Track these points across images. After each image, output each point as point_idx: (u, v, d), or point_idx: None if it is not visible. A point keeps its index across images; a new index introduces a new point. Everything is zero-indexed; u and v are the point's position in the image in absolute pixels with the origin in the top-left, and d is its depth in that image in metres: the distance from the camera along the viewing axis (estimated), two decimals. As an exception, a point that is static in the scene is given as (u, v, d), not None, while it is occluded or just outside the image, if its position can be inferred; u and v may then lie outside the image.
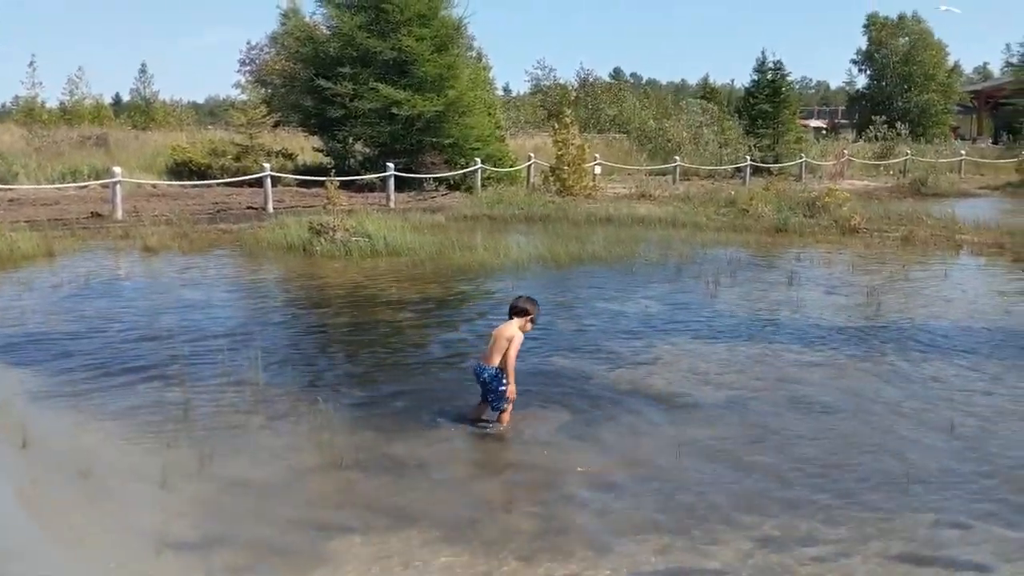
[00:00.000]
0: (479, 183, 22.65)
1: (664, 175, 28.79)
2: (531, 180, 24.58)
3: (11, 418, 5.78)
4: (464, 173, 23.06)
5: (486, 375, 5.83)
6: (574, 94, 43.31)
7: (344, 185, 19.03)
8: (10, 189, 18.18)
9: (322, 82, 22.32)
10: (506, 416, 5.85)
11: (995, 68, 75.50)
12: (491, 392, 5.82)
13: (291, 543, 4.30)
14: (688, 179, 29.05)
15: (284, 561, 4.16)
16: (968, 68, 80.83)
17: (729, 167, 31.20)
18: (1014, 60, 52.29)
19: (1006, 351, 8.01)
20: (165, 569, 4.06)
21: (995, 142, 51.28)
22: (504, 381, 5.77)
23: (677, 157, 29.54)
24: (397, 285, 11.00)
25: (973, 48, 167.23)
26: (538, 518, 4.54)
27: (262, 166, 19.19)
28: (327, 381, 6.94)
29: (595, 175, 24.30)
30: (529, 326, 5.99)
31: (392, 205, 19.61)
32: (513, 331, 5.85)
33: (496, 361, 5.79)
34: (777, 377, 7.10)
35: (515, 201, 19.67)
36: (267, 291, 11.02)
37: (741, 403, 6.39)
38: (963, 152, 39.30)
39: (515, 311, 5.96)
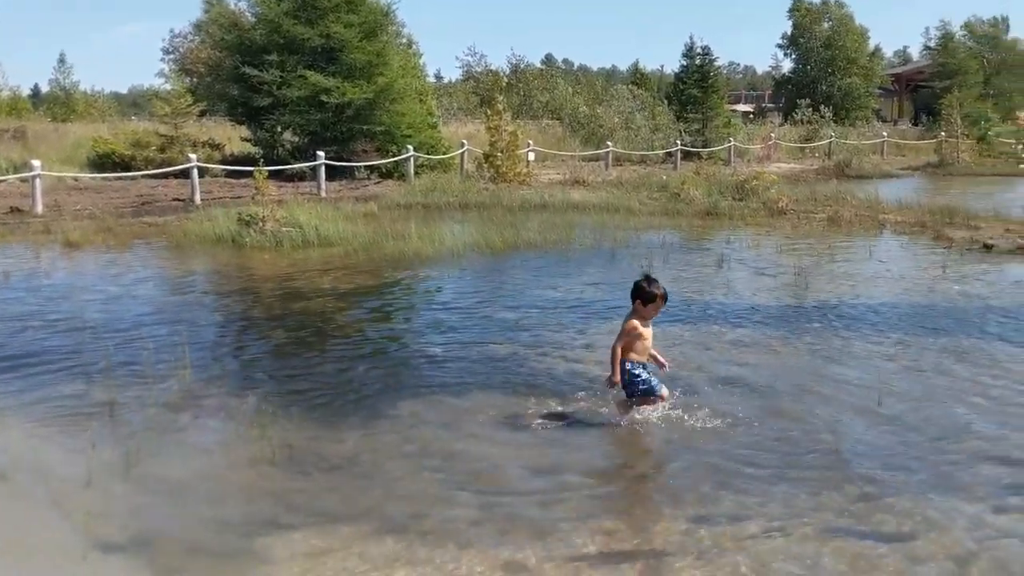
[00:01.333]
0: (412, 171, 22.48)
1: (597, 161, 28.98)
2: (464, 167, 24.47)
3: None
4: (396, 161, 22.87)
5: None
6: (506, 80, 43.29)
7: (273, 175, 18.68)
8: (-80, 185, 17.45)
9: (248, 70, 21.87)
10: (646, 405, 5.70)
11: (914, 52, 77.84)
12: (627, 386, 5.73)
13: (224, 542, 4.20)
14: (620, 164, 29.31)
15: (217, 561, 4.06)
16: (888, 52, 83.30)
17: (660, 152, 31.56)
18: (932, 44, 53.98)
19: (929, 327, 8.24)
20: (92, 573, 3.92)
21: (915, 124, 52.88)
22: (635, 376, 5.64)
23: (609, 143, 29.75)
24: (329, 276, 10.85)
25: (893, 32, 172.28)
26: (477, 507, 4.50)
27: (188, 157, 18.71)
28: (257, 375, 6.80)
29: (528, 161, 24.32)
30: (651, 311, 5.66)
31: (323, 195, 19.32)
32: (625, 320, 5.73)
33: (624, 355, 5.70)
34: (710, 357, 7.19)
35: (449, 189, 19.55)
36: (195, 285, 10.76)
37: (674, 384, 6.44)
38: (885, 134, 40.40)
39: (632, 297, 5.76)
